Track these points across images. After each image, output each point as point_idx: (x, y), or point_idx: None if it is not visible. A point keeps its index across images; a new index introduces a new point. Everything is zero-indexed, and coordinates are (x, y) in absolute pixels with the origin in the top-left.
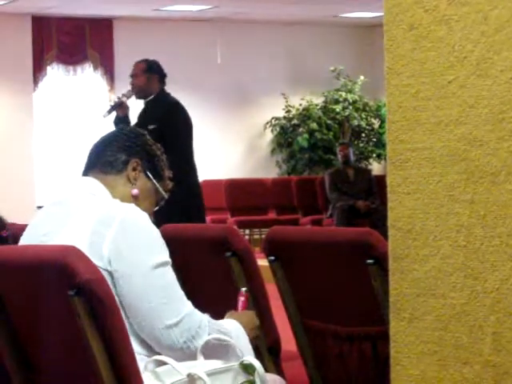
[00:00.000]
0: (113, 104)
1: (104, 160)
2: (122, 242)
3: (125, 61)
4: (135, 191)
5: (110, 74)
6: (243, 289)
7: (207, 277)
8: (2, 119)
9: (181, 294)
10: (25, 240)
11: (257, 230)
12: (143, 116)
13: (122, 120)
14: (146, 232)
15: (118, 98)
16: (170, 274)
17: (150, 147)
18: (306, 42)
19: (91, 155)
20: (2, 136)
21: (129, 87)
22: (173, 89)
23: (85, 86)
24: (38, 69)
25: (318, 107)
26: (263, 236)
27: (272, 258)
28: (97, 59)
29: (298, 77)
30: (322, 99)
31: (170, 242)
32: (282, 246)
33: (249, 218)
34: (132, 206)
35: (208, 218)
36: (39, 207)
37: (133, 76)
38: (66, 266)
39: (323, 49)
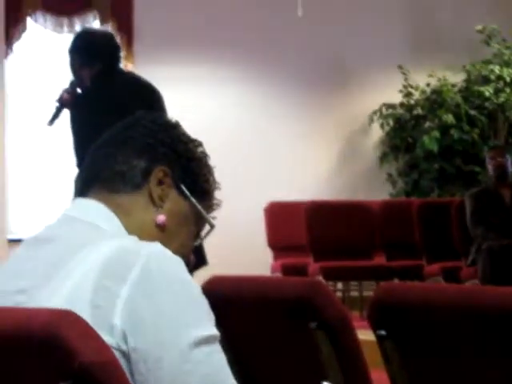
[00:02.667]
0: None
1: (112, 170)
2: (143, 305)
3: (148, 10)
4: (161, 218)
5: (125, 30)
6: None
7: (274, 360)
8: None
9: None
10: None
11: (355, 283)
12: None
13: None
14: (181, 290)
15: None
16: (218, 356)
17: (185, 146)
18: None
19: (91, 163)
20: None
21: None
22: (226, 58)
23: None
24: (14, 22)
25: (456, 89)
26: (366, 294)
27: (382, 332)
28: (106, 7)
29: (424, 40)
30: (463, 76)
31: (216, 303)
32: (399, 313)
33: (342, 263)
34: (158, 247)
35: (277, 263)
36: (13, 241)
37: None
38: (58, 343)
39: None
